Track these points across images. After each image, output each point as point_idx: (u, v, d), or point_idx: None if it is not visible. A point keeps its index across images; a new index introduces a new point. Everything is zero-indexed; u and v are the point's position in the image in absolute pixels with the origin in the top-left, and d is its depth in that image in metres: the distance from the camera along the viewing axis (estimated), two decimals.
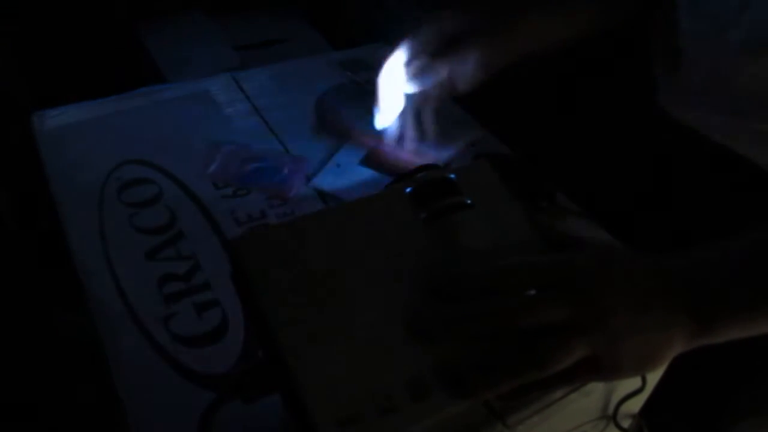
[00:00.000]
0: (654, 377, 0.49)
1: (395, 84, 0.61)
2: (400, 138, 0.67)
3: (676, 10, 0.55)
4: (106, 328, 0.52)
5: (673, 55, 0.56)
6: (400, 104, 0.64)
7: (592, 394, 0.45)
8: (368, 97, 0.66)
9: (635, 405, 0.52)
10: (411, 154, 0.67)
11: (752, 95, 0.51)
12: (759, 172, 0.55)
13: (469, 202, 0.45)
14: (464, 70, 0.59)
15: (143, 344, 0.50)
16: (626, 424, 0.53)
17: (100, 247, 0.58)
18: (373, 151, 0.70)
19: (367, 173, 0.68)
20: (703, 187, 0.62)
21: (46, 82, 1.36)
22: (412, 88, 0.61)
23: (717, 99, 0.54)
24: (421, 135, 0.67)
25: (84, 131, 0.71)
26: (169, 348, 0.50)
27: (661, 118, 0.60)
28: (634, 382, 0.47)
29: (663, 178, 0.67)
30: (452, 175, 0.46)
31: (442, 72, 0.59)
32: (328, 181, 0.67)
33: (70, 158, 0.68)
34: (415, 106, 0.65)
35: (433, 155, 0.68)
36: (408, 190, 0.45)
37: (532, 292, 0.39)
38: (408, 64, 0.60)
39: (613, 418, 0.49)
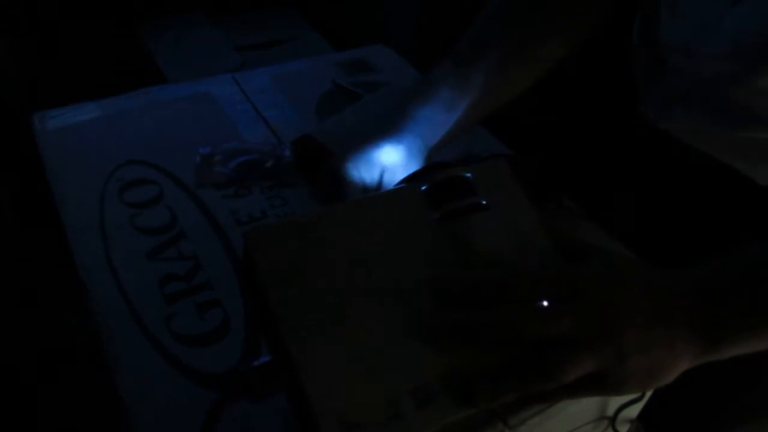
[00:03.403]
0: None
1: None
2: None
3: (657, 16, 0.55)
4: (108, 328, 0.52)
5: (655, 64, 0.56)
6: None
7: (592, 398, 0.45)
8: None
9: (634, 410, 0.52)
10: None
11: (737, 104, 0.50)
12: (745, 180, 0.55)
13: (484, 203, 0.44)
14: None
15: (144, 344, 0.50)
16: (625, 427, 0.53)
17: (101, 247, 0.58)
18: None
19: None
20: (690, 197, 0.62)
21: (47, 82, 1.36)
22: None
23: (701, 109, 0.54)
24: None
25: (85, 132, 0.71)
26: (171, 348, 0.50)
27: (644, 128, 0.60)
28: None
29: (650, 186, 0.67)
30: (468, 174, 0.45)
31: None
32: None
33: (71, 159, 0.68)
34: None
35: None
36: (423, 188, 0.44)
37: (543, 303, 0.39)
38: None
39: (612, 425, 0.49)
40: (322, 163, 0.58)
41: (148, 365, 0.49)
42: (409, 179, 0.47)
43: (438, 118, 0.57)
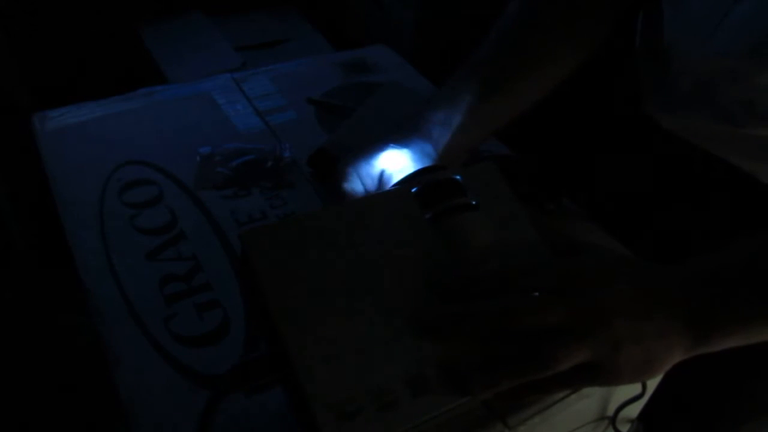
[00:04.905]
0: (653, 383, 0.49)
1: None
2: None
3: (659, 15, 0.55)
4: (107, 329, 0.52)
5: (657, 62, 0.56)
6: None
7: (592, 397, 0.46)
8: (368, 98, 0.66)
9: (634, 409, 0.52)
10: None
11: (739, 101, 0.50)
12: (748, 179, 0.55)
13: (474, 203, 0.45)
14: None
15: (144, 344, 0.50)
16: (625, 427, 0.53)
17: (101, 247, 0.58)
18: None
19: None
20: (694, 196, 0.62)
21: (47, 83, 1.36)
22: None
23: (703, 106, 0.54)
24: None
25: (85, 132, 0.71)
26: (171, 348, 0.50)
27: (648, 127, 0.60)
28: (634, 388, 0.48)
29: (653, 186, 0.67)
30: (458, 176, 0.46)
31: None
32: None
33: (71, 159, 0.68)
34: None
35: None
36: (414, 189, 0.45)
37: (536, 294, 0.39)
38: None
39: (612, 423, 0.49)
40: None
41: (147, 366, 0.49)
42: (402, 182, 0.48)
43: (451, 122, 0.56)
